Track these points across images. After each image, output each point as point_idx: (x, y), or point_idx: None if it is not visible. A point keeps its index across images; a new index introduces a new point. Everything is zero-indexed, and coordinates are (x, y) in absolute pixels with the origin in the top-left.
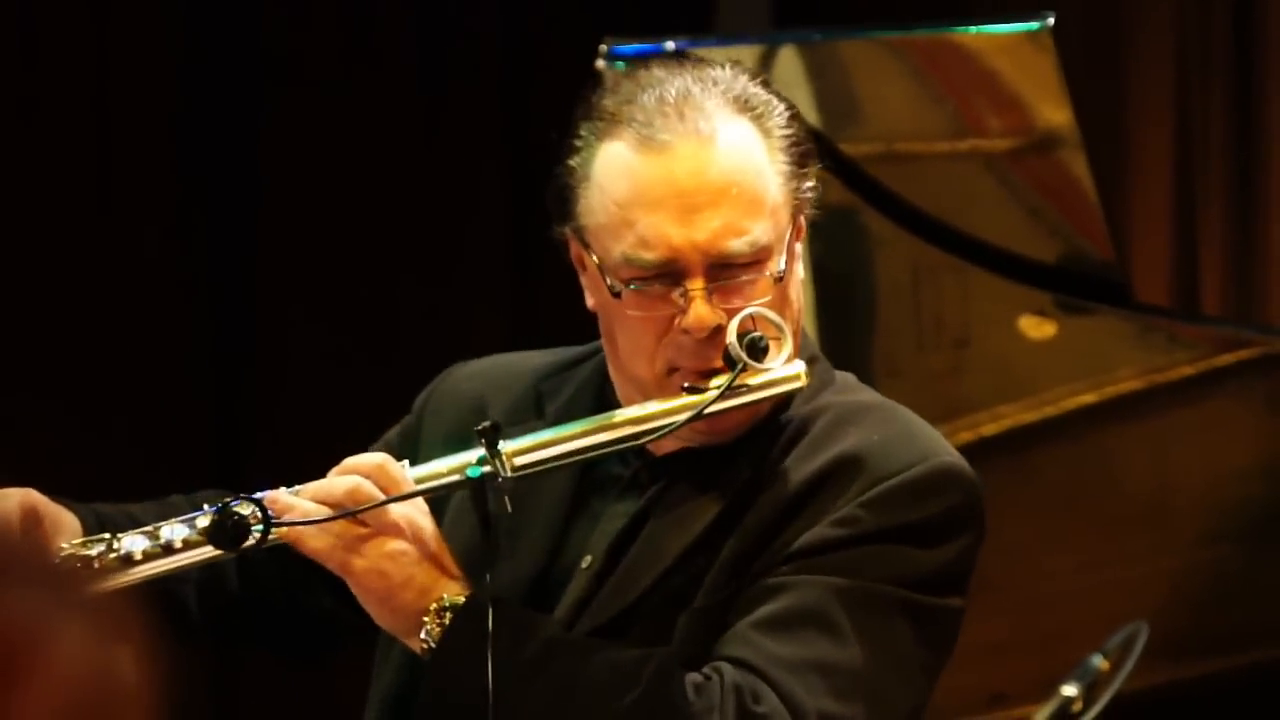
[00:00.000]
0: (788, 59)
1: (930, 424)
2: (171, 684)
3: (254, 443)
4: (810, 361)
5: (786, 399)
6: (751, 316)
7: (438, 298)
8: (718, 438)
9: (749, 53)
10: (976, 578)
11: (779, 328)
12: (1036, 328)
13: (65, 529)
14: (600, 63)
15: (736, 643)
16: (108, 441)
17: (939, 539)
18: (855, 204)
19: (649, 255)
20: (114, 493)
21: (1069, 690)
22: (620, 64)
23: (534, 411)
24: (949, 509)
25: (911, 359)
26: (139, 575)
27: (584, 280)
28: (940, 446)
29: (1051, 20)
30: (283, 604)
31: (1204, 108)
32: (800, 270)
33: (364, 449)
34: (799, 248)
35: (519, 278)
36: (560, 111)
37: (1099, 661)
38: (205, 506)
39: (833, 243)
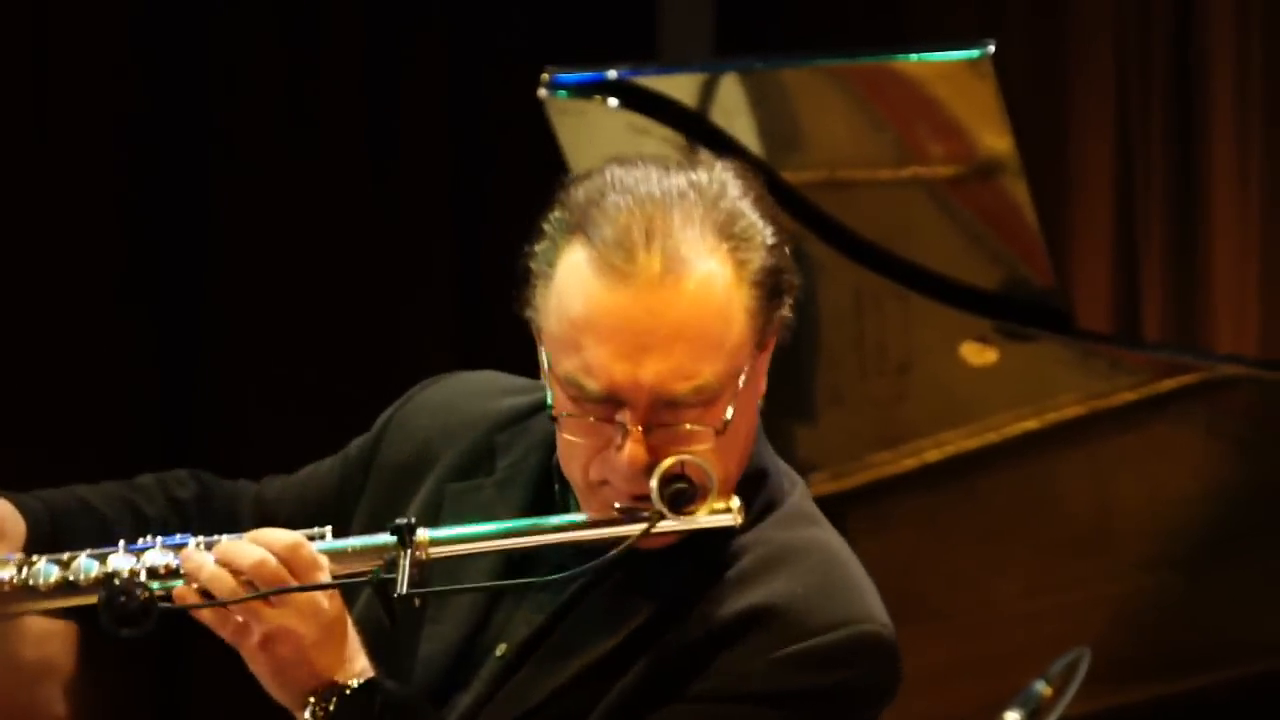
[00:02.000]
0: (729, 87)
1: (872, 450)
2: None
3: None
4: (760, 476)
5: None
6: (682, 461)
7: (385, 352)
8: (645, 548)
9: (691, 80)
10: (920, 605)
11: (708, 476)
12: (978, 354)
13: (5, 534)
14: (542, 91)
15: None
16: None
17: (843, 707)
18: (797, 231)
19: (591, 385)
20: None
21: (1012, 716)
22: (562, 92)
23: (484, 467)
24: (860, 678)
25: (855, 386)
26: (38, 608)
27: (540, 360)
28: (864, 610)
29: (992, 48)
30: None
31: (1144, 136)
32: (762, 386)
33: None
34: (766, 361)
35: (465, 327)
36: (504, 141)
37: (1042, 687)
38: (121, 544)
39: None
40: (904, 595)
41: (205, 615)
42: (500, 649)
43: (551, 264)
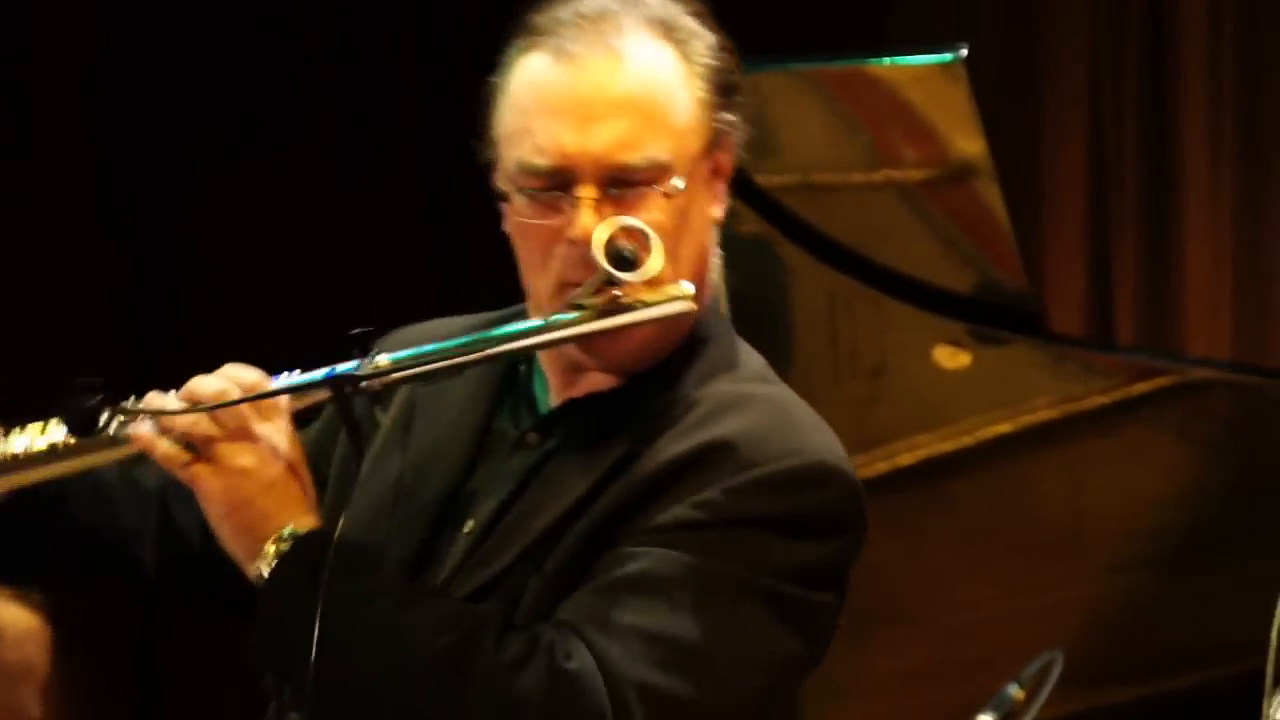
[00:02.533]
0: None
1: (847, 453)
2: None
3: None
4: (714, 338)
5: (682, 367)
6: (625, 228)
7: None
8: (609, 362)
9: None
10: (892, 607)
11: (649, 239)
12: (952, 358)
13: None
14: None
15: (569, 606)
16: None
17: (803, 534)
18: (771, 235)
19: (541, 161)
20: None
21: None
22: None
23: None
24: (818, 505)
25: (828, 389)
26: (23, 478)
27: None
28: (819, 443)
29: (964, 52)
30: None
31: (1117, 138)
32: (716, 212)
33: None
34: (721, 187)
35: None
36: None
37: (1015, 691)
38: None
39: (749, 273)
40: (877, 598)
41: (163, 449)
42: (468, 526)
43: (506, 78)
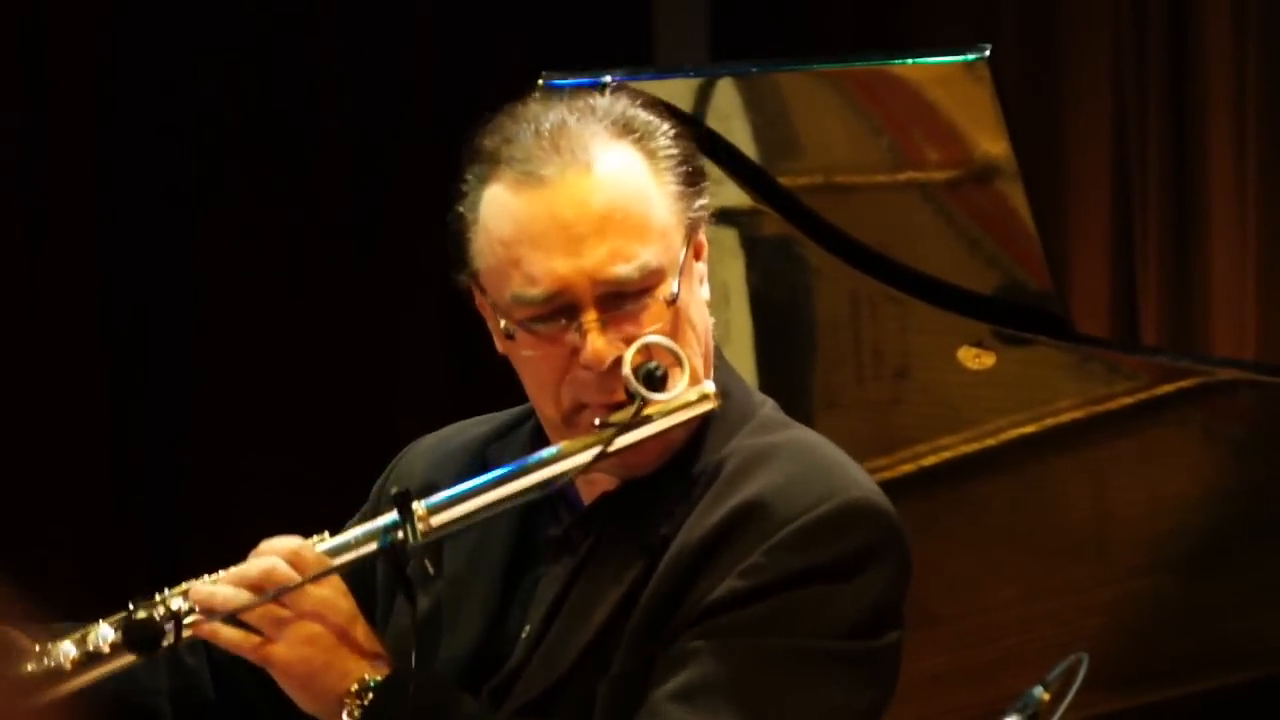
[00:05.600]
0: (725, 91)
1: (869, 455)
2: None
3: (191, 565)
4: (724, 396)
5: (702, 434)
6: (647, 346)
7: (375, 405)
8: (638, 470)
9: (687, 85)
10: (916, 610)
11: (675, 354)
12: (975, 359)
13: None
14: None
15: (648, 715)
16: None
17: (850, 577)
18: (794, 236)
19: (536, 291)
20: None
21: None
22: None
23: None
24: (858, 547)
25: (851, 390)
26: (72, 685)
27: (490, 327)
28: (846, 482)
29: (988, 52)
30: (260, 711)
31: (1141, 139)
32: (704, 291)
33: None
34: (701, 267)
35: (458, 373)
36: None
37: (1040, 693)
38: (130, 605)
39: (771, 275)
40: None
41: (228, 637)
42: (526, 630)
43: (475, 207)
